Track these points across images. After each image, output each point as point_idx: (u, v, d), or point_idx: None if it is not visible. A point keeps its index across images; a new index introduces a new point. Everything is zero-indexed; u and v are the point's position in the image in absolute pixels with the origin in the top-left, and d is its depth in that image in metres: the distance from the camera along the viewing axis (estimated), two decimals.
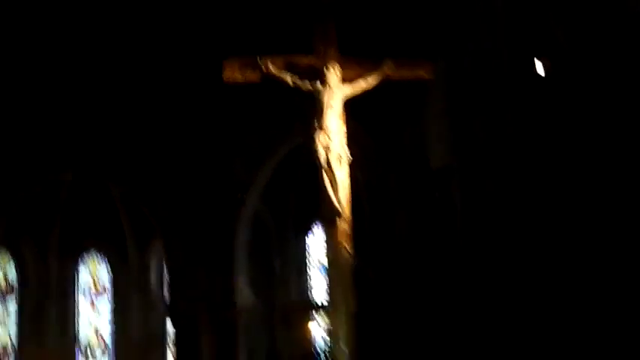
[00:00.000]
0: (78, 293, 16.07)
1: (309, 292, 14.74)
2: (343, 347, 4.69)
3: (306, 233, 14.87)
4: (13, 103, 12.39)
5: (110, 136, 13.15)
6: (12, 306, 15.25)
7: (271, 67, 5.04)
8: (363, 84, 5.10)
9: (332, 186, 4.84)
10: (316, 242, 14.89)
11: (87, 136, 13.14)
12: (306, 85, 5.03)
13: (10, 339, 15.18)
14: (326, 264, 10.99)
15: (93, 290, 16.27)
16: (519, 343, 6.65)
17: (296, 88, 5.10)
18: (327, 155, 4.85)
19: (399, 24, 8.55)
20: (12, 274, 15.52)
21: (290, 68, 5.11)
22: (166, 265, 14.84)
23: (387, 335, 9.27)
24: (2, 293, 15.25)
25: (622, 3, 6.41)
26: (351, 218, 4.90)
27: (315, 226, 14.55)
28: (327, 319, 11.87)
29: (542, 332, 6.72)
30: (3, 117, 12.26)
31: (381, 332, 9.10)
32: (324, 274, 13.97)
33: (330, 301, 5.08)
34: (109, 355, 16.06)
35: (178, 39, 11.76)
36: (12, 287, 15.46)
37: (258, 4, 10.76)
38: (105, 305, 16.17)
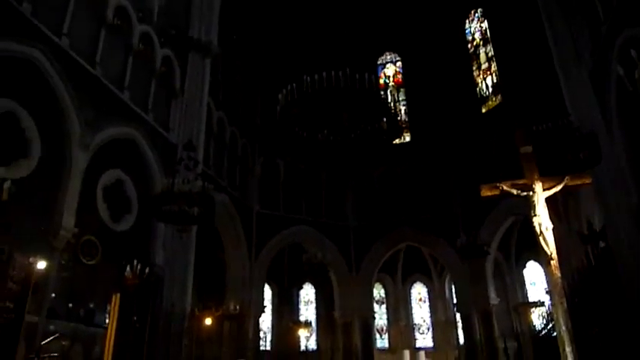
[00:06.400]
0: (412, 300, 24.65)
1: (527, 296, 20.59)
2: (563, 328, 5.87)
3: (524, 266, 21.36)
4: None
5: None
6: (383, 308, 24.22)
7: (504, 187, 6.76)
8: (554, 189, 6.67)
9: (545, 242, 6.30)
10: (528, 271, 21.28)
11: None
12: (523, 194, 6.68)
13: (385, 321, 24.13)
14: (534, 282, 20.12)
15: (418, 299, 24.57)
16: None
17: (518, 195, 6.70)
18: (540, 227, 6.36)
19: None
20: (382, 292, 24.53)
21: (514, 186, 6.74)
22: (454, 285, 22.03)
23: (592, 323, 9.16)
24: (378, 303, 23.63)
25: None
26: (557, 258, 6.27)
27: (529, 263, 20.87)
28: (540, 311, 14.68)
29: None
30: None
31: (588, 320, 9.03)
32: (533, 286, 20.91)
33: (551, 301, 6.38)
34: (429, 330, 23.99)
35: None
36: (382, 300, 24.19)
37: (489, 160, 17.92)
38: (425, 306, 24.46)
